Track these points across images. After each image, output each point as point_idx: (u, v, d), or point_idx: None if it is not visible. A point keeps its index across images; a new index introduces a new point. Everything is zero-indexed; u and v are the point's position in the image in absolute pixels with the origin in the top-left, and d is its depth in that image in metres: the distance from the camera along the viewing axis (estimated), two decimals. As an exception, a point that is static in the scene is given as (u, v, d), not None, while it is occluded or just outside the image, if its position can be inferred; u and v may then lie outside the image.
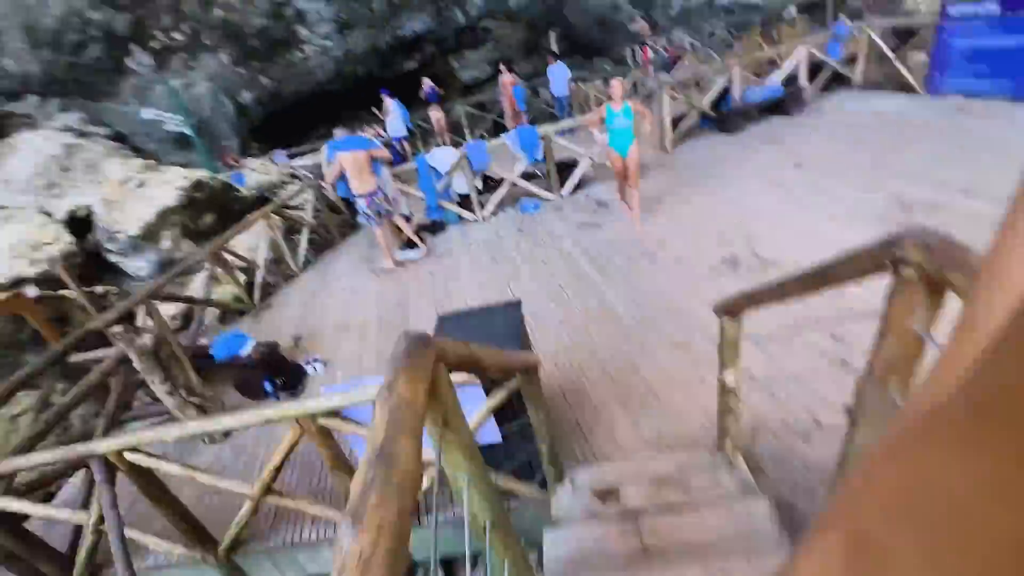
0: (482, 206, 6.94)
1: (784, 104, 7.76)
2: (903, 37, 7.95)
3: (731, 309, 2.11)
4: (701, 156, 7.31)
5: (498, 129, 12.77)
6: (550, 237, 6.02)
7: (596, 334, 4.04)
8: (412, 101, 13.21)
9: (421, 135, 13.73)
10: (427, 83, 11.10)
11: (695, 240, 5.08)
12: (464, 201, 6.97)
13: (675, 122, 7.79)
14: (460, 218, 7.03)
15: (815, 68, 8.11)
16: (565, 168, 7.11)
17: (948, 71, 6.80)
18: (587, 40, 15.36)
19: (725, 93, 8.03)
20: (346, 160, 5.53)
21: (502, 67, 11.37)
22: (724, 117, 7.75)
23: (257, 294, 6.14)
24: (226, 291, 5.97)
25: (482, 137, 12.13)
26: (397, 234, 6.67)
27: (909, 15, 9.02)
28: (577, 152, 7.05)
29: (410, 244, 6.60)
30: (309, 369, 4.52)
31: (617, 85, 4.78)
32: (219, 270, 5.63)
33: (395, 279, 6.00)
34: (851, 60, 8.19)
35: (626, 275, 4.79)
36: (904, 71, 7.36)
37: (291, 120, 16.53)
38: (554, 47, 10.15)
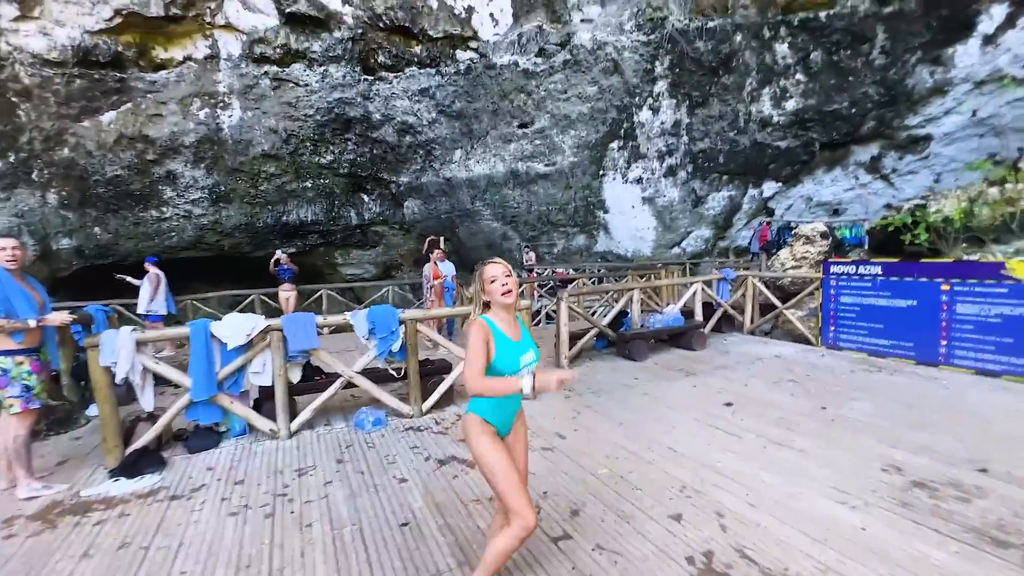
0: (292, 414, 4.26)
1: (685, 336, 6.77)
2: (777, 291, 7.87)
3: None
4: (606, 379, 5.62)
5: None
6: (387, 479, 3.42)
7: None
8: (266, 278, 10.93)
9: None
10: (282, 256, 9.07)
11: (638, 517, 2.86)
12: (263, 400, 4.28)
13: (571, 339, 6.30)
14: (249, 428, 4.21)
15: (706, 307, 7.54)
16: (432, 373, 4.93)
17: (841, 326, 6.36)
18: (475, 258, 15.11)
19: (623, 316, 6.95)
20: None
21: (437, 246, 8.68)
22: (625, 339, 6.46)
23: None
24: None
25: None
26: (114, 444, 3.61)
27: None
28: (453, 352, 5.02)
29: (134, 464, 3.53)
30: None
31: (509, 283, 2.00)
32: None
33: (49, 544, 2.76)
34: (734, 307, 7.83)
35: (517, 587, 2.28)
36: (796, 321, 6.91)
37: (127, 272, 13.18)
38: (442, 247, 9.04)
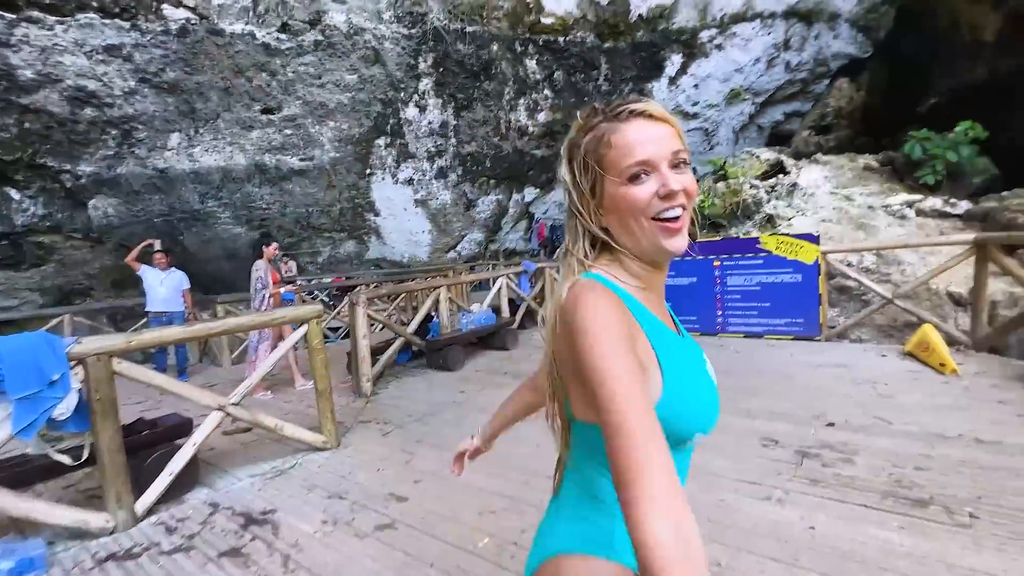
0: None
1: (498, 335, 6.04)
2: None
3: None
4: (428, 398, 4.35)
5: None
6: None
7: None
8: None
9: None
10: None
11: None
12: None
13: (372, 354, 4.84)
14: None
15: (509, 304, 7.02)
16: (154, 442, 2.86)
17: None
18: (210, 273, 11.63)
19: (427, 321, 5.81)
20: None
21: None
22: (436, 347, 5.31)
23: None
24: None
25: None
26: None
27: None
28: (192, 398, 3.01)
29: None
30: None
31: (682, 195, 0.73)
32: None
33: None
34: (535, 298, 7.57)
35: None
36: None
37: None
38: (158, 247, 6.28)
